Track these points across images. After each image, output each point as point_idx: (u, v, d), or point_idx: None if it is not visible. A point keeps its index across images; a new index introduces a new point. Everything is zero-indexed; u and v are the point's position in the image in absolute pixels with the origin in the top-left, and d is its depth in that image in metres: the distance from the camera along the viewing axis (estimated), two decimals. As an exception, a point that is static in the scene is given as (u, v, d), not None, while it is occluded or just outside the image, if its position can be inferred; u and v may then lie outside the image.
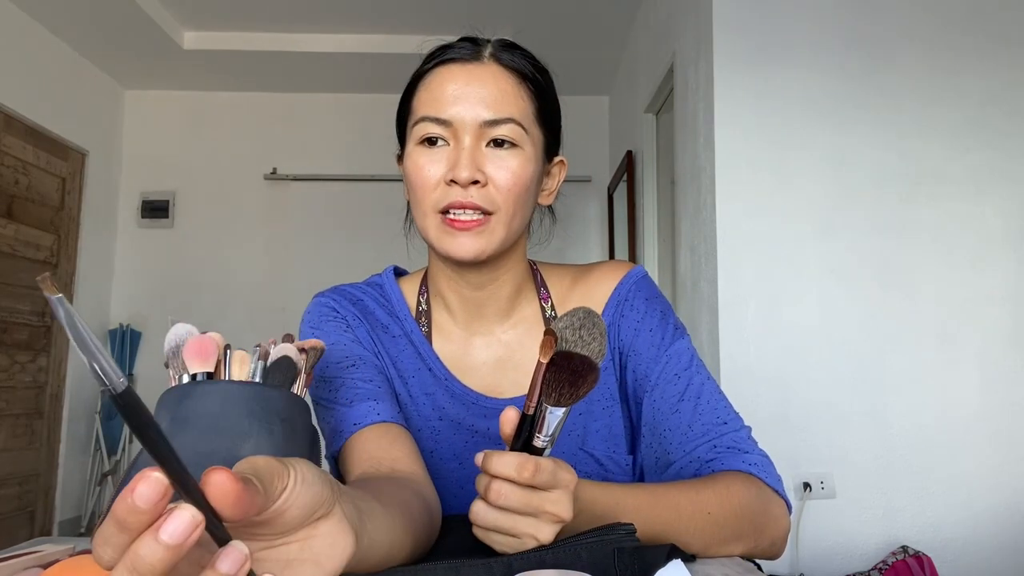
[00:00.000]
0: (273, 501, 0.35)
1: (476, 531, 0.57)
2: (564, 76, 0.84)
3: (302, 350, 0.66)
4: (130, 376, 4.29)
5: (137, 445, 4.17)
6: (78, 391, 4.02)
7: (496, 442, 0.79)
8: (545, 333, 0.55)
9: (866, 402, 2.29)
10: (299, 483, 0.37)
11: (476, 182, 0.73)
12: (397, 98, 0.82)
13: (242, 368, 0.63)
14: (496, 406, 0.81)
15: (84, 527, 4.02)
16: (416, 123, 0.76)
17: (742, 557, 0.69)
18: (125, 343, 4.27)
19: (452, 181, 0.73)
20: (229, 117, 4.53)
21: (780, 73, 2.38)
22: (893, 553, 2.16)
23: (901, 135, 2.38)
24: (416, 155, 0.76)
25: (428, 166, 0.75)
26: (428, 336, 0.84)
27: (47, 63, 3.74)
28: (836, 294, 2.33)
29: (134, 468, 0.60)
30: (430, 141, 0.75)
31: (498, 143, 0.75)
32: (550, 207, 0.87)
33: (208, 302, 4.31)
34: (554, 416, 0.56)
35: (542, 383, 0.55)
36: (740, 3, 2.41)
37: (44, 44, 3.71)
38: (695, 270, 2.57)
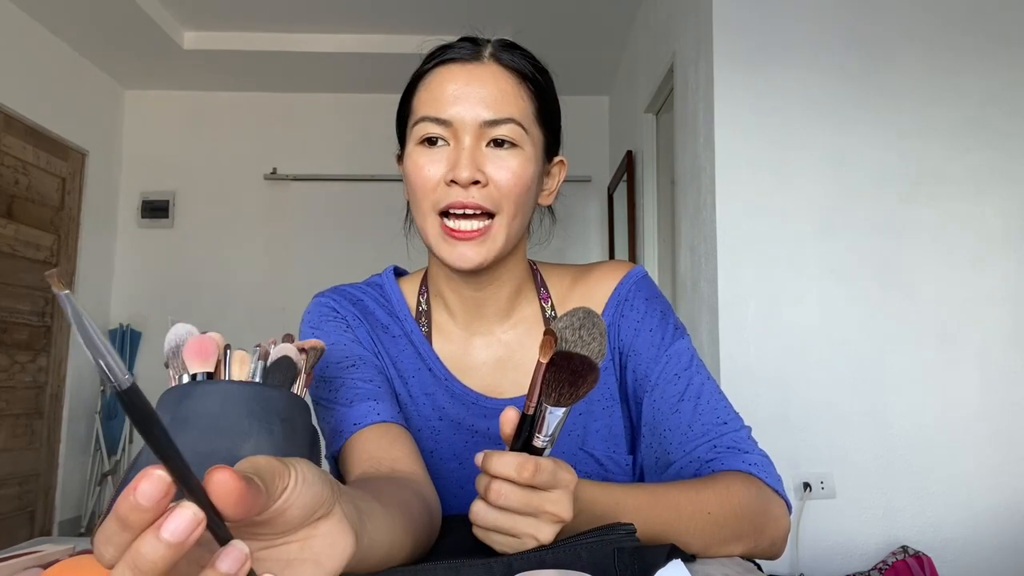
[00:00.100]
0: (274, 501, 0.35)
1: (476, 531, 0.57)
2: (564, 76, 0.84)
3: (302, 350, 0.66)
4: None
5: (137, 445, 4.19)
6: (78, 391, 4.02)
7: (496, 442, 0.79)
8: (545, 333, 0.55)
9: (866, 402, 2.29)
10: (300, 483, 0.37)
11: (476, 182, 0.73)
12: (397, 98, 0.82)
13: (242, 368, 0.63)
14: (496, 406, 0.81)
15: (84, 527, 4.02)
16: (416, 123, 0.76)
17: (742, 557, 0.69)
18: (125, 343, 4.27)
19: (452, 181, 0.73)
20: (229, 117, 4.53)
21: (780, 73, 2.38)
22: (893, 553, 2.16)
23: (901, 135, 2.38)
24: (416, 155, 0.76)
25: (428, 166, 0.75)
26: (428, 336, 0.84)
27: (47, 63, 3.74)
28: (836, 294, 2.33)
29: (134, 468, 0.60)
30: (430, 141, 0.75)
31: (498, 143, 0.75)
32: (550, 207, 0.87)
33: (208, 302, 4.31)
34: (554, 416, 0.56)
35: (542, 383, 0.55)
36: (740, 3, 2.41)
37: (44, 44, 3.71)
38: (695, 270, 2.57)
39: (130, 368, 4.28)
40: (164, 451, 0.31)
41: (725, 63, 2.38)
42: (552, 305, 0.85)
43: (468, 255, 0.74)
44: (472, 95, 0.74)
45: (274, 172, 4.48)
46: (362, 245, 4.21)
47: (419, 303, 0.86)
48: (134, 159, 4.47)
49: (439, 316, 0.85)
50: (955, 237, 2.36)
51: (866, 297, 2.33)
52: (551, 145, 0.82)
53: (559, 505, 0.54)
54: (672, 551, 0.56)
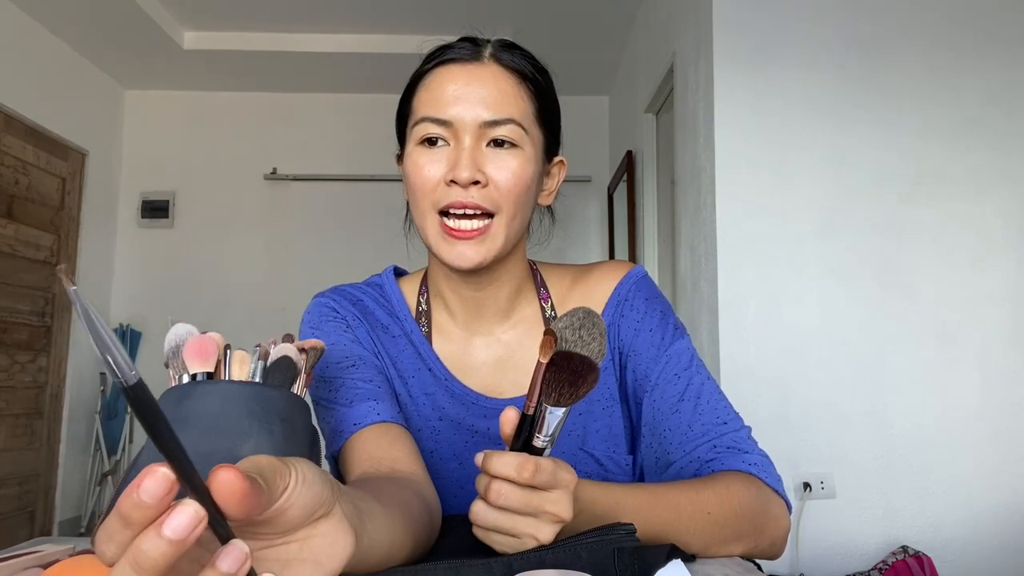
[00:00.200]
0: (275, 500, 0.35)
1: (476, 531, 0.57)
2: (564, 76, 0.84)
3: (302, 350, 0.66)
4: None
5: (137, 445, 4.18)
6: (78, 391, 4.02)
7: (496, 442, 0.80)
8: (545, 333, 0.55)
9: (866, 402, 2.29)
10: (300, 483, 0.37)
11: (476, 182, 0.73)
12: (397, 98, 0.82)
13: (242, 368, 0.63)
14: (496, 406, 0.81)
15: (84, 527, 4.02)
16: (416, 123, 0.76)
17: (742, 557, 0.69)
18: (125, 343, 4.27)
19: (452, 181, 0.73)
20: (229, 117, 4.53)
21: (780, 73, 2.38)
22: (893, 553, 2.16)
23: (901, 135, 2.38)
24: (416, 155, 0.76)
25: (428, 166, 0.75)
26: (428, 336, 0.84)
27: (47, 63, 3.74)
28: (836, 294, 2.33)
29: (135, 467, 0.60)
30: (430, 141, 0.75)
31: (498, 143, 0.75)
32: (550, 207, 0.87)
33: (208, 302, 4.31)
34: (554, 416, 0.56)
35: (542, 383, 0.55)
36: (740, 3, 2.41)
37: (44, 44, 3.71)
38: (695, 270, 2.57)
39: (130, 368, 4.27)
40: (168, 448, 0.31)
41: (725, 63, 2.38)
42: (552, 305, 0.85)
43: (467, 254, 0.74)
44: (472, 95, 0.74)
45: (274, 172, 4.48)
46: (362, 245, 4.21)
47: (419, 303, 0.86)
48: (134, 159, 4.47)
49: (439, 316, 0.85)
50: (955, 237, 2.36)
51: (866, 297, 2.33)
52: (551, 145, 0.82)
53: (559, 505, 0.54)
54: (672, 551, 0.56)
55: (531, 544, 0.55)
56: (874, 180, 2.36)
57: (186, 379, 0.61)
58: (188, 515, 0.30)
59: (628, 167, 3.71)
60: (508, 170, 0.74)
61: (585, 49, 3.98)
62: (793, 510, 0.77)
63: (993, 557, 2.24)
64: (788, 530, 0.74)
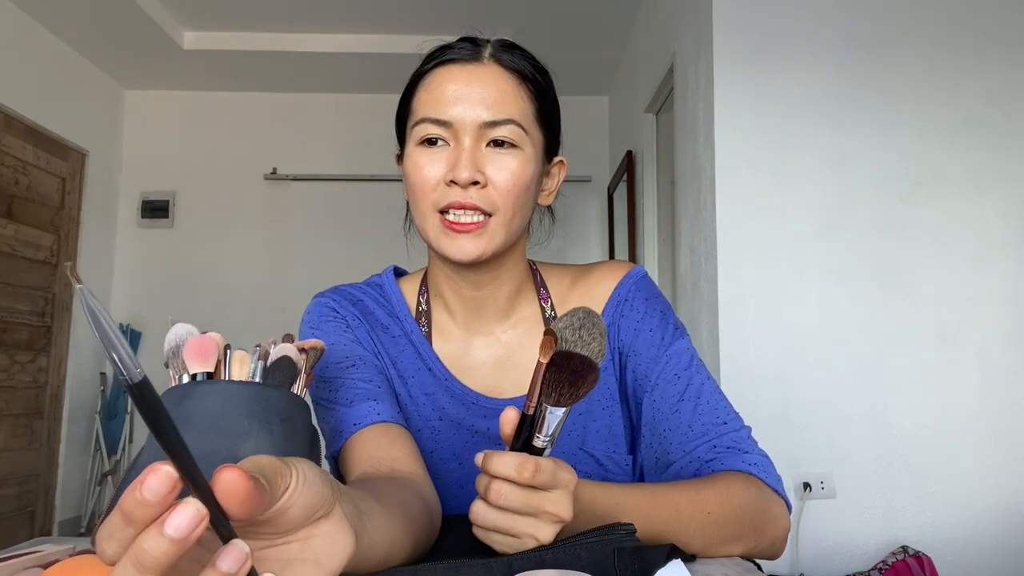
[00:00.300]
0: (276, 500, 0.35)
1: (476, 531, 0.57)
2: (564, 76, 0.84)
3: (302, 350, 0.66)
4: (130, 376, 4.28)
5: (137, 445, 4.18)
6: (78, 391, 4.02)
7: (496, 442, 0.80)
8: (545, 333, 0.55)
9: (866, 402, 2.29)
10: (301, 483, 0.37)
11: (476, 183, 0.73)
12: (397, 98, 0.82)
13: (242, 368, 0.63)
14: (496, 406, 0.81)
15: (84, 527, 4.02)
16: (416, 124, 0.76)
17: (742, 557, 0.69)
18: (125, 343, 4.27)
19: (452, 182, 0.73)
20: (229, 117, 4.53)
21: (780, 73, 2.38)
22: (893, 553, 2.16)
23: (901, 135, 2.38)
24: (416, 155, 0.76)
25: (428, 166, 0.75)
26: (428, 336, 0.84)
27: (47, 63, 3.74)
28: (836, 294, 2.33)
29: (135, 467, 0.61)
30: (430, 142, 0.75)
31: (498, 144, 0.75)
32: (550, 207, 0.87)
33: (208, 302, 4.31)
34: (554, 416, 0.56)
35: (542, 383, 0.55)
36: (740, 3, 2.41)
37: (44, 44, 3.71)
38: (695, 270, 2.57)
39: (131, 368, 4.27)
40: (172, 447, 0.31)
41: (725, 63, 2.38)
42: (552, 305, 0.85)
43: (467, 247, 0.74)
44: (472, 96, 0.74)
45: (274, 172, 4.48)
46: (362, 245, 4.21)
47: (419, 303, 0.86)
48: (134, 159, 4.47)
49: (439, 316, 0.85)
50: (955, 237, 2.36)
51: (866, 297, 2.33)
52: (551, 145, 0.82)
53: (559, 505, 0.55)
54: (672, 551, 0.56)
55: (531, 544, 0.55)
56: (874, 180, 2.36)
57: (186, 379, 0.61)
58: (190, 514, 0.30)
59: (628, 167, 3.71)
60: (507, 171, 0.74)
61: (585, 49, 3.98)
62: (793, 510, 0.77)
63: (993, 557, 2.24)
64: (788, 530, 0.74)
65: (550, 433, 0.56)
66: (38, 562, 0.60)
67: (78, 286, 0.28)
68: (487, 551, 0.57)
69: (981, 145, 2.39)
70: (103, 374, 4.24)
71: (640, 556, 0.55)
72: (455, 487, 0.80)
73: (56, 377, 3.86)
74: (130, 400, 4.20)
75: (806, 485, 2.24)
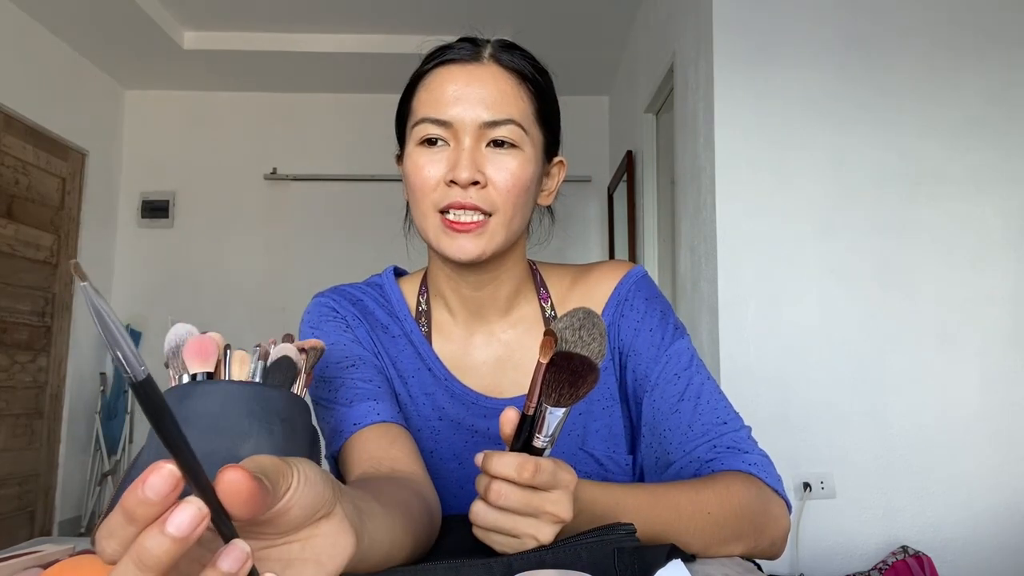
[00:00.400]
0: (278, 500, 0.35)
1: (476, 531, 0.57)
2: (564, 76, 0.84)
3: (302, 350, 0.66)
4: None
5: (137, 445, 4.18)
6: (78, 391, 4.02)
7: (496, 442, 0.80)
8: (545, 334, 0.55)
9: (866, 402, 2.29)
10: (302, 483, 0.37)
11: (476, 183, 0.73)
12: (397, 98, 0.82)
13: (242, 368, 0.63)
14: (496, 406, 0.81)
15: (84, 527, 4.02)
16: (416, 124, 0.76)
17: (742, 557, 0.69)
18: (125, 343, 4.27)
19: (452, 182, 0.73)
20: (229, 117, 4.53)
21: (780, 73, 2.38)
22: (893, 553, 2.16)
23: (901, 135, 2.38)
24: (416, 156, 0.76)
25: (428, 167, 0.75)
26: (428, 336, 0.84)
27: (47, 63, 3.74)
28: (836, 294, 2.33)
29: (135, 468, 0.61)
30: (430, 142, 0.75)
31: (498, 144, 0.75)
32: (549, 207, 0.87)
33: (208, 302, 4.31)
34: (554, 416, 0.56)
35: (542, 383, 0.55)
36: (740, 3, 2.41)
37: (44, 44, 3.71)
38: (695, 270, 2.57)
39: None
40: (175, 445, 0.31)
41: (725, 63, 2.38)
42: (552, 305, 0.85)
43: (467, 247, 0.74)
44: (472, 96, 0.74)
45: (274, 172, 4.48)
46: (362, 245, 4.21)
47: (419, 303, 0.86)
48: (134, 159, 4.47)
49: (439, 316, 0.85)
50: (955, 237, 2.36)
51: (866, 297, 2.33)
52: (551, 145, 0.82)
53: (559, 505, 0.55)
54: (672, 551, 0.56)
55: (531, 544, 0.55)
56: (874, 180, 2.36)
57: (186, 379, 0.61)
58: (191, 513, 0.30)
59: (628, 167, 3.71)
60: (507, 171, 0.74)
61: (585, 49, 3.98)
62: (793, 510, 0.77)
63: (993, 557, 2.24)
64: (788, 530, 0.74)
65: (550, 433, 0.56)
66: (38, 562, 0.60)
67: (82, 283, 0.28)
68: (487, 551, 0.57)
69: (981, 145, 2.39)
70: (103, 374, 4.24)
71: (640, 556, 0.55)
72: (455, 487, 0.80)
73: (56, 377, 3.86)
74: (130, 399, 4.21)
75: (806, 485, 2.24)
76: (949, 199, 2.37)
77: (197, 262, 4.41)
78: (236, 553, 0.33)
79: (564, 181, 0.86)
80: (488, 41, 0.79)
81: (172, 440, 0.31)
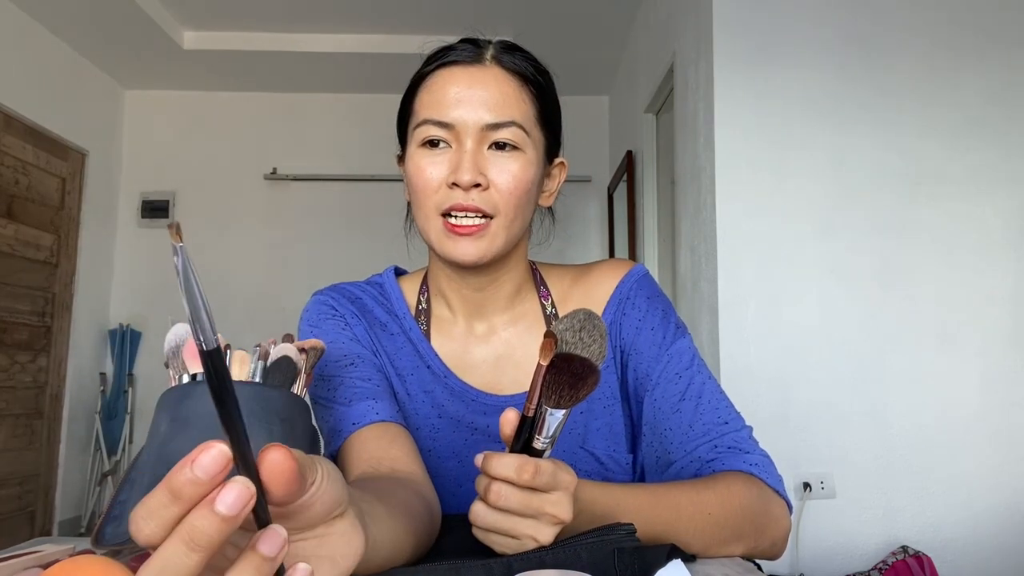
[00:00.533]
0: (305, 491, 0.35)
1: (476, 532, 0.57)
2: (564, 76, 0.84)
3: (302, 350, 0.66)
4: (130, 376, 4.29)
5: (137, 445, 4.18)
6: (78, 391, 4.02)
7: (495, 439, 0.80)
8: (545, 335, 0.55)
9: (866, 402, 2.29)
10: (326, 479, 0.37)
11: (477, 185, 0.73)
12: (397, 98, 0.82)
13: (242, 368, 0.63)
14: (495, 403, 0.81)
15: (84, 527, 4.02)
16: (418, 125, 0.76)
17: (742, 557, 0.69)
18: (125, 343, 4.27)
19: (454, 184, 0.73)
20: (229, 117, 4.53)
21: (780, 73, 2.38)
22: (893, 553, 2.16)
23: (901, 135, 2.38)
24: (418, 157, 0.76)
25: (429, 168, 0.75)
26: (427, 334, 0.84)
27: (47, 63, 3.74)
28: (836, 294, 2.33)
29: (135, 468, 0.60)
30: (432, 144, 0.75)
31: (500, 146, 0.75)
32: (550, 208, 0.87)
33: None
34: (554, 418, 0.56)
35: (542, 385, 0.55)
36: (740, 3, 2.41)
37: (44, 44, 3.71)
38: (695, 270, 2.57)
39: (130, 369, 4.28)
40: (230, 421, 0.31)
41: (725, 63, 2.38)
42: (552, 303, 0.85)
43: (469, 250, 0.74)
44: (474, 98, 0.74)
45: (274, 172, 4.48)
46: (362, 245, 4.21)
47: (419, 302, 0.86)
48: (134, 159, 4.47)
49: (439, 313, 0.85)
50: (955, 237, 2.36)
51: (866, 297, 2.33)
52: (552, 147, 0.82)
53: (559, 506, 0.54)
54: (672, 551, 0.56)
55: (531, 545, 0.55)
56: (874, 180, 2.36)
57: (186, 379, 0.61)
58: (239, 492, 0.30)
59: (628, 167, 3.71)
60: (509, 173, 0.74)
61: (585, 49, 3.98)
62: (793, 510, 0.77)
63: (993, 557, 2.24)
64: (788, 530, 0.74)
65: (550, 435, 0.56)
66: (38, 562, 0.60)
67: (178, 244, 0.29)
68: (487, 551, 0.57)
69: (981, 145, 2.39)
70: (103, 374, 4.24)
71: (640, 556, 0.55)
72: (453, 485, 0.80)
73: (56, 377, 3.86)
74: (130, 400, 4.21)
75: (806, 485, 2.24)
76: (949, 199, 2.37)
77: (197, 262, 4.27)
78: (275, 538, 0.33)
79: (564, 181, 0.86)
80: (490, 42, 0.79)
81: (229, 416, 0.31)
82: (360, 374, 0.78)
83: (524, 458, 0.54)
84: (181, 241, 0.28)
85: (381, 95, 4.27)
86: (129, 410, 4.24)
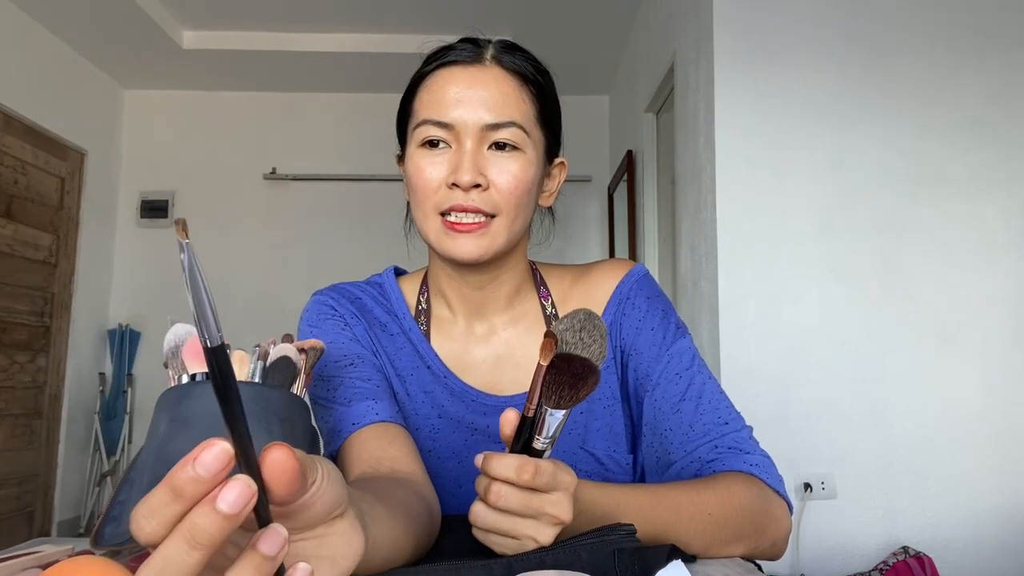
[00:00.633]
0: (306, 491, 0.35)
1: (476, 532, 0.57)
2: (564, 76, 0.84)
3: (301, 350, 0.66)
4: (129, 376, 4.29)
5: (136, 445, 4.18)
6: (77, 391, 4.02)
7: (495, 439, 0.79)
8: (545, 335, 0.55)
9: (866, 402, 2.29)
10: (326, 479, 0.37)
11: (477, 185, 0.73)
12: (397, 98, 0.82)
13: (242, 368, 0.62)
14: (495, 403, 0.81)
15: (83, 527, 4.02)
16: (418, 126, 0.76)
17: (743, 558, 0.69)
18: (124, 343, 4.27)
19: (454, 184, 0.73)
20: (229, 117, 4.53)
21: (780, 73, 2.38)
22: (894, 554, 2.16)
23: (901, 134, 2.38)
24: (417, 157, 0.76)
25: (429, 168, 0.75)
26: (427, 334, 0.84)
27: (47, 63, 3.74)
28: (836, 294, 2.33)
29: (134, 468, 0.60)
30: (431, 144, 0.75)
31: (500, 146, 0.75)
32: (550, 208, 0.87)
33: (207, 302, 4.29)
34: (554, 418, 0.55)
35: (542, 385, 0.55)
36: (740, 2, 2.40)
37: (44, 44, 3.71)
38: (695, 270, 2.57)
39: (129, 369, 4.28)
40: (233, 419, 0.31)
41: (725, 63, 2.38)
42: (553, 303, 0.85)
43: (469, 248, 0.74)
44: (474, 98, 0.74)
45: (274, 172, 4.48)
46: (362, 245, 4.21)
47: (419, 302, 0.86)
48: (133, 159, 4.47)
49: (439, 313, 0.85)
50: (956, 237, 2.36)
51: (866, 297, 2.33)
52: (552, 147, 0.82)
53: (559, 507, 0.54)
54: (672, 552, 0.56)
55: (531, 546, 0.55)
56: (874, 180, 2.36)
57: (185, 379, 0.61)
58: (240, 490, 0.30)
59: (628, 167, 3.71)
60: (509, 173, 0.74)
61: (585, 49, 3.98)
62: (794, 511, 0.77)
63: (994, 558, 2.24)
64: (789, 531, 0.74)
65: (550, 435, 0.56)
66: (37, 562, 0.60)
67: (184, 241, 0.28)
68: (487, 552, 0.57)
69: (981, 145, 2.39)
70: (102, 374, 4.24)
71: (640, 557, 0.55)
72: (453, 486, 0.80)
73: (55, 377, 3.86)
74: (129, 400, 4.21)
75: (807, 486, 2.23)
76: (949, 199, 2.37)
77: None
78: (276, 537, 0.32)
79: (564, 181, 0.86)
80: (490, 42, 0.79)
81: (232, 413, 0.31)
82: (360, 374, 0.78)
83: (524, 458, 0.54)
84: (187, 237, 0.28)
85: (381, 95, 4.27)
86: (128, 410, 4.24)
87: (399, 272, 0.91)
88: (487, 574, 0.53)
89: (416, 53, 0.82)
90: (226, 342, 0.62)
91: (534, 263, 0.89)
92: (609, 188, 4.34)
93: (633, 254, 3.61)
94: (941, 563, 2.14)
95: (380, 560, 0.49)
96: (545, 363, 0.54)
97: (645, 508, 0.63)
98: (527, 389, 0.57)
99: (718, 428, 0.76)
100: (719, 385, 0.80)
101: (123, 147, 4.47)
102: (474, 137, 0.74)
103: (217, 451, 0.30)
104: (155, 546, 0.31)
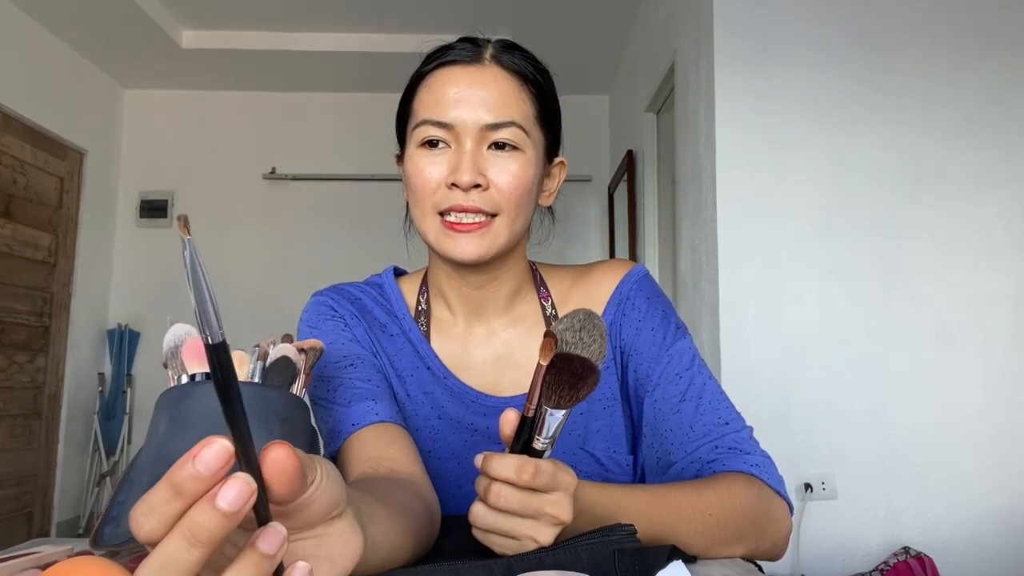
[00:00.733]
0: (305, 490, 0.35)
1: (476, 533, 0.57)
2: (564, 76, 0.84)
3: (301, 350, 0.66)
4: (128, 376, 4.28)
5: (135, 446, 4.17)
6: (76, 392, 4.01)
7: (495, 440, 0.79)
8: (545, 335, 0.55)
9: (867, 402, 2.28)
10: (325, 479, 0.37)
11: (477, 185, 0.73)
12: (397, 97, 0.82)
13: (241, 368, 0.62)
14: (495, 404, 0.80)
15: (82, 528, 4.02)
16: (417, 126, 0.76)
17: (743, 558, 0.69)
18: (124, 343, 4.27)
19: (453, 184, 0.73)
20: (228, 117, 4.53)
21: (780, 72, 2.38)
22: (895, 554, 2.16)
23: (901, 134, 2.38)
24: (417, 157, 0.76)
25: (429, 168, 0.75)
26: (427, 335, 0.84)
27: (47, 63, 3.73)
28: (836, 294, 2.32)
29: (133, 468, 0.60)
30: (431, 144, 0.75)
31: (499, 146, 0.75)
32: (550, 207, 0.87)
33: (207, 302, 4.29)
34: (554, 418, 0.55)
35: (542, 385, 0.55)
36: (741, 2, 2.40)
37: (44, 44, 3.71)
38: (696, 270, 2.57)
39: (128, 369, 4.28)
40: (233, 416, 0.31)
41: (726, 62, 2.38)
42: (552, 304, 0.85)
43: (468, 248, 0.74)
44: (473, 98, 0.74)
45: (273, 172, 4.47)
46: (362, 245, 4.21)
47: (419, 302, 0.86)
48: (133, 159, 4.47)
49: (439, 314, 0.85)
50: (956, 236, 2.36)
51: (866, 297, 2.32)
52: (552, 146, 0.81)
53: (559, 507, 0.54)
54: (673, 552, 0.56)
55: (531, 546, 0.55)
56: (874, 180, 2.36)
57: (185, 379, 0.61)
58: (240, 488, 0.30)
59: (628, 166, 3.71)
60: (509, 173, 0.74)
61: (585, 49, 3.98)
62: (794, 511, 0.77)
63: (995, 558, 2.23)
64: (789, 531, 0.74)
65: (550, 435, 0.56)
66: (36, 563, 0.60)
67: (186, 237, 0.29)
68: (487, 552, 0.57)
69: (981, 144, 2.39)
70: (101, 374, 4.24)
71: (641, 557, 0.55)
72: (453, 487, 0.80)
73: (54, 377, 3.86)
74: (128, 400, 4.21)
75: (807, 486, 2.23)
76: (949, 198, 2.37)
77: (197, 261, 4.39)
78: (275, 535, 0.32)
79: (564, 181, 0.86)
80: (489, 41, 0.78)
81: (233, 412, 0.31)
82: (359, 375, 0.78)
83: (524, 459, 0.54)
84: (189, 234, 0.28)
85: (381, 95, 4.27)
86: (128, 410, 4.24)
87: (399, 272, 0.91)
88: (487, 574, 0.53)
89: (416, 53, 0.82)
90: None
91: (534, 263, 0.88)
92: (609, 188, 4.34)
93: (633, 254, 3.60)
94: (942, 563, 2.14)
95: (379, 560, 0.49)
96: (545, 363, 0.54)
97: (645, 508, 0.63)
98: (527, 390, 0.57)
99: (718, 428, 0.76)
100: (719, 385, 0.80)
101: (122, 147, 4.47)
102: (474, 137, 0.74)
103: (217, 448, 0.30)
104: (154, 544, 0.31)
